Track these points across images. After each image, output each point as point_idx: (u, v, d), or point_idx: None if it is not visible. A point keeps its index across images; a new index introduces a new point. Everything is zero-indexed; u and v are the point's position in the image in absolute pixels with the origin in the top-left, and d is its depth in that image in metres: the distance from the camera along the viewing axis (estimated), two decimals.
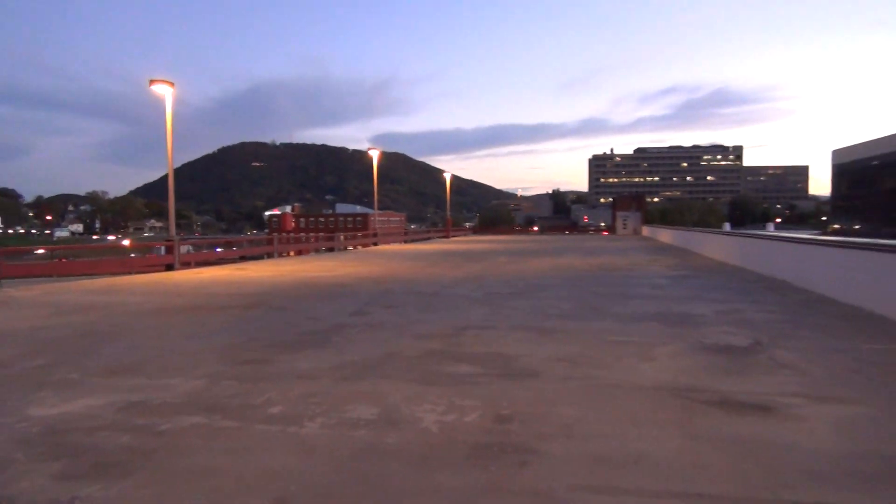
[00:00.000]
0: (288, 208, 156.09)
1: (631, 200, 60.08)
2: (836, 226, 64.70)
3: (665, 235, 35.42)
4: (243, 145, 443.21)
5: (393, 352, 6.00)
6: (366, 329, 7.32)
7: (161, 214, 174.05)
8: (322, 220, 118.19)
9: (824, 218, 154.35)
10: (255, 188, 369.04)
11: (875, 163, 56.47)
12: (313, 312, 8.75)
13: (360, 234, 37.22)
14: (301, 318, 8.29)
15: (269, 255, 22.43)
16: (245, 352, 6.10)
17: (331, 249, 27.81)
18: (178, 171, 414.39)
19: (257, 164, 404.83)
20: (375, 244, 33.54)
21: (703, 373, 5.08)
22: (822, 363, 5.35)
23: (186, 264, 18.34)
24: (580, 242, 36.61)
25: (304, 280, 13.67)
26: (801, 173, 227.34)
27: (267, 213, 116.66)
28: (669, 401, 4.31)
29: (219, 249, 26.68)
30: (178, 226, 19.97)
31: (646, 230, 51.89)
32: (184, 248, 19.55)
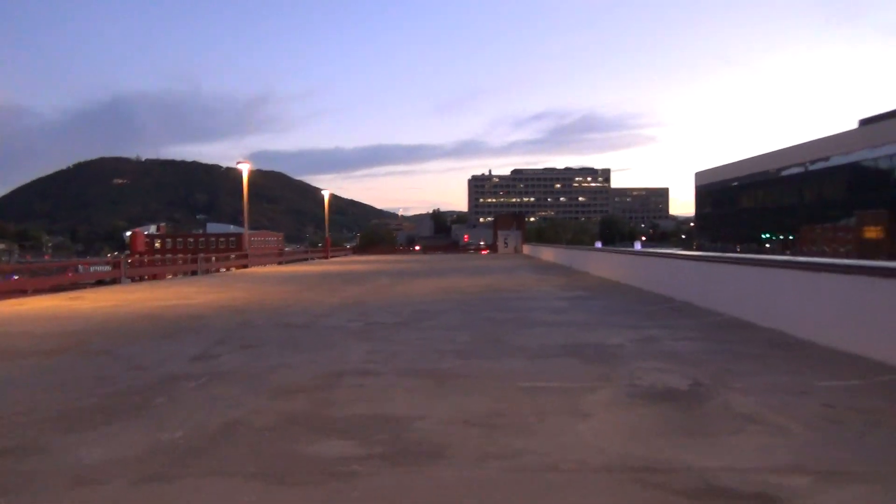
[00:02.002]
0: (152, 228, 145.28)
1: (511, 219, 60.69)
2: (697, 243, 69.08)
3: (547, 254, 35.43)
4: (103, 161, 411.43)
5: (236, 420, 4.29)
6: (207, 382, 5.50)
7: None
8: (191, 240, 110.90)
9: (683, 236, 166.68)
10: (117, 207, 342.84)
11: (735, 184, 60.97)
12: (142, 358, 6.76)
13: (231, 255, 34.24)
14: (123, 367, 6.30)
15: (117, 281, 19.47)
16: (8, 431, 4.13)
17: (194, 273, 24.97)
18: (27, 188, 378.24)
19: (119, 181, 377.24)
20: (246, 266, 30.83)
21: (657, 435, 3.82)
22: (791, 412, 4.27)
23: (7, 293, 15.23)
24: (463, 261, 35.81)
25: (148, 312, 11.39)
26: (662, 195, 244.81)
27: (127, 234, 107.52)
28: (635, 493, 2.97)
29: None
30: (23, 248, 16.70)
31: (527, 248, 52.34)
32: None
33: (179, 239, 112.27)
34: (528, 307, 11.02)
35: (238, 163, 31.50)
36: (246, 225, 32.85)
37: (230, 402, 4.79)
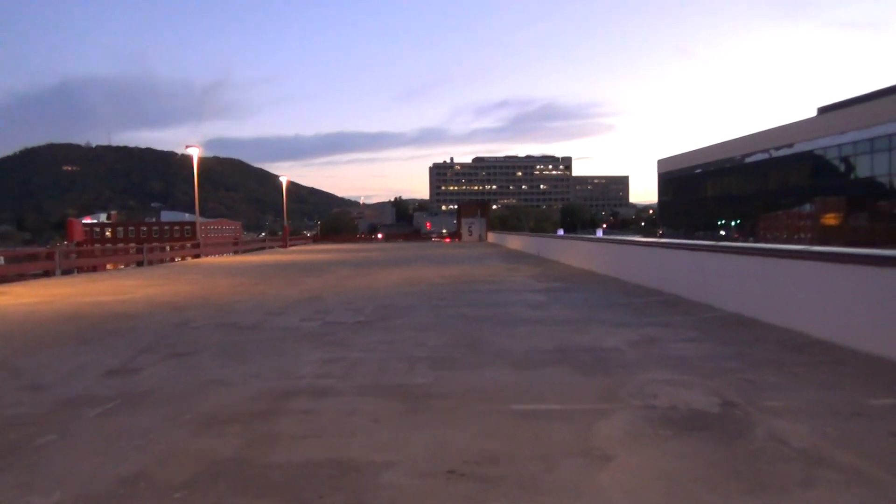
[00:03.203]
0: (103, 216, 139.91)
1: (476, 207, 59.72)
2: (661, 231, 69.36)
3: (514, 242, 34.59)
4: (52, 147, 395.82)
5: (139, 473, 3.17)
6: (116, 409, 4.35)
7: None
8: (144, 229, 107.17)
9: (643, 223, 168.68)
10: (67, 194, 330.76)
11: (698, 171, 61.18)
12: (45, 373, 5.53)
13: (186, 244, 32.44)
14: (15, 385, 5.08)
15: (49, 273, 17.81)
16: None
17: (140, 264, 23.31)
18: None
19: (69, 168, 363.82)
20: (198, 256, 29.16)
21: (707, 489, 2.86)
22: (861, 446, 3.36)
23: None
24: (427, 250, 34.71)
25: (73, 310, 10.04)
26: (622, 183, 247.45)
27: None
28: None
29: None
30: None
31: (491, 236, 51.52)
32: None
33: (132, 227, 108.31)
34: (504, 301, 10.03)
35: (187, 147, 29.64)
36: (197, 212, 31.01)
37: (139, 439, 3.66)
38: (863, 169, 42.36)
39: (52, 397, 4.68)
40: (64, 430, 3.90)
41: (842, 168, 44.34)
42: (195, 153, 29.57)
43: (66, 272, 19.66)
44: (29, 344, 6.98)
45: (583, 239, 18.65)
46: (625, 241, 13.82)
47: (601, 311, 8.76)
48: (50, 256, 18.21)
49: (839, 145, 42.94)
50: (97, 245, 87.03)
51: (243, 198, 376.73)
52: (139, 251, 23.74)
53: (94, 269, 20.26)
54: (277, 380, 5.06)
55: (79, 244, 21.04)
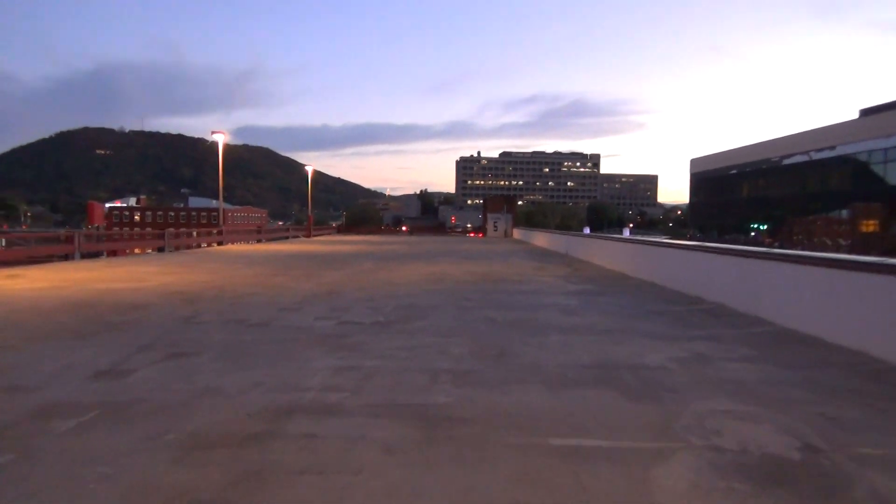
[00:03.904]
0: (132, 200, 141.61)
1: (502, 202, 58.83)
2: (690, 233, 67.82)
3: (541, 239, 33.78)
4: (86, 131, 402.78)
5: None
6: (92, 422, 3.81)
7: None
8: (172, 214, 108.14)
9: (671, 224, 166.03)
10: (100, 178, 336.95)
11: (733, 172, 59.56)
12: (29, 371, 5.02)
13: (204, 231, 32.23)
14: None
15: (69, 257, 17.55)
16: None
17: (161, 249, 23.06)
18: (7, 157, 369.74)
19: (102, 152, 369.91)
20: (220, 243, 28.89)
21: None
22: None
23: None
24: (452, 245, 34.09)
25: (82, 298, 9.61)
26: (650, 182, 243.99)
27: (107, 206, 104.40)
28: None
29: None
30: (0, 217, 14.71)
31: (517, 233, 50.71)
32: None
33: (160, 212, 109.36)
34: (533, 304, 9.37)
35: (213, 132, 29.43)
36: (220, 198, 30.74)
37: (107, 466, 3.10)
38: None
39: (28, 403, 4.15)
40: (26, 448, 3.35)
41: (884, 173, 42.61)
42: (220, 139, 29.29)
43: (88, 255, 19.44)
44: (24, 336, 6.50)
45: (615, 239, 17.85)
46: (663, 243, 13.03)
47: (640, 319, 8.05)
48: (69, 240, 17.96)
49: (885, 149, 41.21)
50: (125, 229, 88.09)
51: (270, 186, 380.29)
52: (160, 237, 23.49)
53: (115, 253, 20.02)
54: (280, 392, 4.48)
55: (98, 227, 20.80)
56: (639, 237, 17.32)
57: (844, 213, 49.25)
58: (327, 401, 4.27)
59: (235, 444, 3.43)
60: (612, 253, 16.68)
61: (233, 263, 17.52)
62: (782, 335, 6.91)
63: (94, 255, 20.05)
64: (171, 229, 25.07)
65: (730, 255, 9.17)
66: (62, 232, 21.71)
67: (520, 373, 5.13)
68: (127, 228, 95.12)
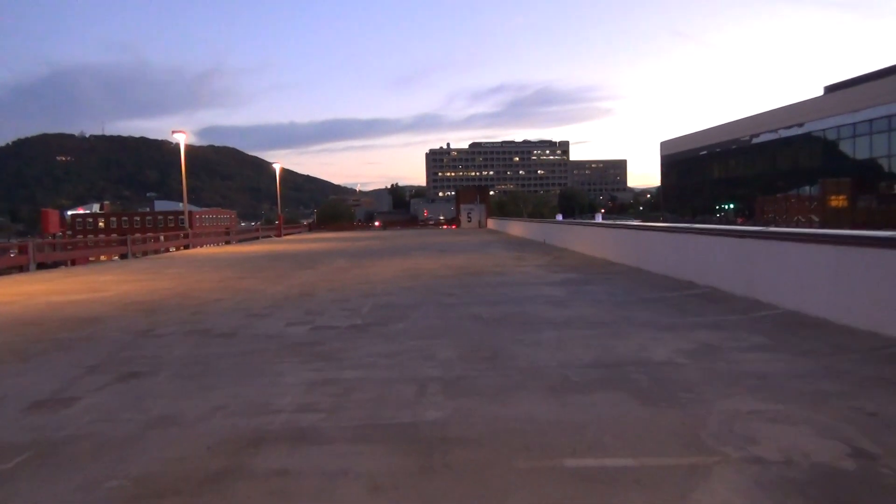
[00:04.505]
0: (95, 206, 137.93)
1: (475, 193, 58.30)
2: (662, 216, 68.13)
3: (516, 228, 33.35)
4: (45, 137, 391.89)
5: None
6: (19, 468, 3.18)
7: None
8: (137, 219, 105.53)
9: (641, 207, 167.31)
10: (61, 185, 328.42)
11: (703, 153, 59.85)
12: None
13: (174, 234, 31.12)
14: None
15: (23, 269, 16.56)
16: None
17: (124, 256, 22.07)
18: None
19: (62, 159, 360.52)
20: (187, 247, 27.87)
21: None
22: None
23: None
24: (427, 237, 33.50)
25: (32, 313, 8.85)
26: (620, 167, 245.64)
27: (70, 213, 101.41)
28: None
29: None
30: None
31: (491, 223, 50.27)
32: None
33: (125, 218, 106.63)
34: (519, 297, 8.86)
35: (173, 132, 28.31)
36: (185, 200, 29.61)
37: None
38: (877, 148, 41.04)
39: None
40: None
41: (852, 148, 43.04)
42: (182, 138, 28.18)
43: (46, 266, 18.46)
44: None
45: (595, 225, 17.47)
46: (648, 226, 12.62)
47: (634, 308, 7.59)
48: (23, 250, 16.97)
49: (853, 124, 41.59)
50: (89, 236, 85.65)
51: (239, 186, 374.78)
52: (122, 243, 22.48)
53: (74, 262, 19.03)
54: (246, 416, 3.88)
55: (55, 236, 19.78)
56: (621, 221, 16.93)
57: (809, 189, 49.75)
58: (301, 424, 3.69)
59: (190, 490, 2.84)
60: (593, 239, 16.27)
61: (199, 268, 16.73)
62: (788, 319, 6.50)
63: (53, 265, 19.06)
64: (137, 235, 24.03)
65: (722, 235, 8.76)
66: (14, 242, 20.61)
67: (517, 377, 4.60)
68: (91, 236, 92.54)
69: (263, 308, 8.64)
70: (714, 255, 8.93)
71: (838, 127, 43.43)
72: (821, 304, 6.38)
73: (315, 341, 6.16)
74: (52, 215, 19.70)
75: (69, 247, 20.96)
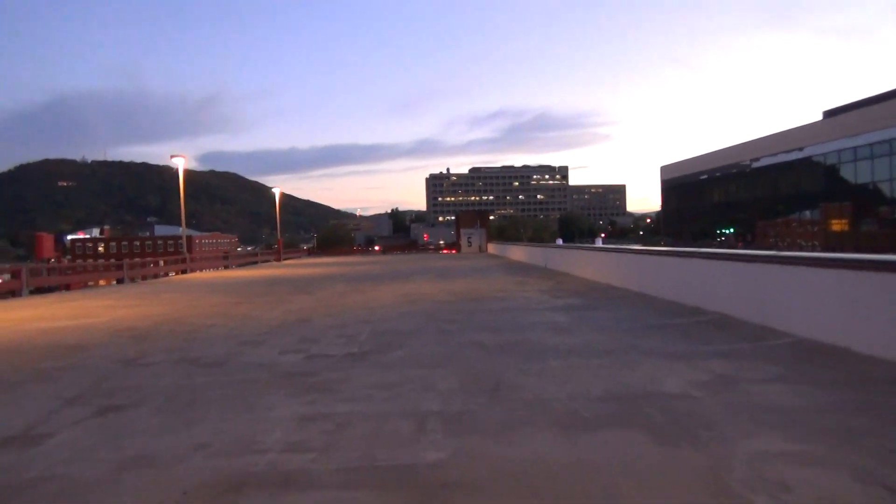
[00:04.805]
0: (95, 231, 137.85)
1: (475, 217, 58.24)
2: (664, 241, 67.98)
3: (517, 253, 33.12)
4: (46, 163, 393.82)
5: None
6: None
7: None
8: (137, 243, 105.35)
9: (641, 232, 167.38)
10: (62, 210, 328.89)
11: (703, 177, 59.87)
12: None
13: (172, 259, 30.86)
14: None
15: (16, 294, 16.27)
16: None
17: (120, 280, 21.80)
18: None
19: (64, 184, 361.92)
20: (185, 272, 27.59)
21: None
22: None
23: None
24: (427, 262, 33.25)
25: (16, 340, 8.56)
26: (619, 192, 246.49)
27: (69, 237, 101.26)
28: None
29: None
30: None
31: (492, 247, 50.07)
32: None
33: (124, 242, 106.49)
34: (522, 323, 8.57)
35: (172, 157, 28.11)
36: (183, 224, 29.45)
37: None
38: (878, 173, 40.96)
39: None
40: None
41: (853, 172, 42.97)
42: (181, 163, 28.07)
43: (41, 290, 18.19)
44: None
45: (597, 249, 17.21)
46: (652, 251, 12.35)
47: (641, 335, 7.29)
48: (16, 275, 16.69)
49: (854, 148, 41.60)
50: (89, 261, 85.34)
51: (239, 211, 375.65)
52: (119, 267, 22.22)
53: (69, 287, 18.74)
54: (230, 455, 3.58)
55: (49, 260, 19.50)
56: (622, 246, 16.65)
57: (809, 213, 49.61)
58: (288, 466, 3.38)
59: None
60: (595, 264, 16.01)
61: (195, 293, 16.44)
62: (803, 347, 6.20)
63: (48, 290, 18.79)
64: (129, 259, 23.77)
65: (730, 260, 8.49)
66: (6, 266, 20.34)
67: (523, 411, 4.30)
68: (91, 260, 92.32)
69: (257, 335, 8.34)
70: (722, 280, 8.65)
71: (839, 151, 43.42)
72: (837, 331, 6.09)
73: (309, 371, 5.86)
74: (47, 240, 19.52)
75: (67, 271, 20.67)
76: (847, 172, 43.88)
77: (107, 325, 9.86)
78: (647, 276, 11.73)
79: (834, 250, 39.30)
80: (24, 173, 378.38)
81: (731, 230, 58.63)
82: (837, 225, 48.26)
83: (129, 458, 3.59)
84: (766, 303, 7.44)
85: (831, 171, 45.68)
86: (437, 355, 6.46)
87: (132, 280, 23.05)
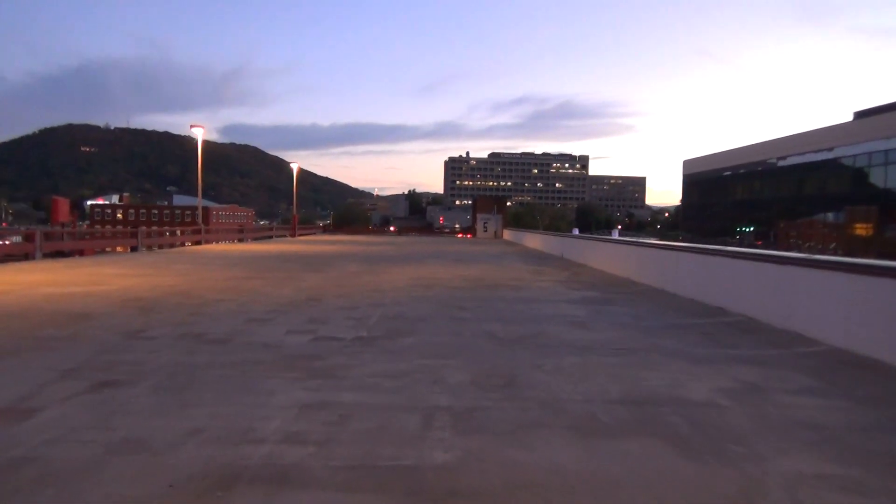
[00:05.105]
0: (115, 198, 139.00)
1: (492, 202, 57.79)
2: (682, 236, 67.11)
3: (533, 241, 32.74)
4: (71, 127, 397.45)
5: None
6: None
7: None
8: (156, 212, 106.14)
9: (659, 226, 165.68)
10: (84, 175, 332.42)
11: (727, 173, 58.90)
12: None
13: (187, 230, 30.89)
14: None
15: (29, 257, 16.26)
16: None
17: (134, 248, 21.77)
18: None
19: (87, 149, 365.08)
20: (199, 243, 27.57)
21: None
22: None
23: None
24: (442, 245, 33.00)
25: (24, 305, 8.43)
26: (638, 184, 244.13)
27: (89, 203, 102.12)
28: None
29: None
30: None
31: (508, 234, 49.69)
32: None
33: (143, 210, 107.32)
34: (537, 315, 8.29)
35: (191, 126, 28.10)
36: (199, 195, 29.36)
37: None
38: None
39: None
40: None
41: (884, 175, 41.89)
42: (200, 133, 27.93)
43: (54, 255, 18.17)
44: None
45: (617, 241, 16.84)
46: (675, 246, 11.97)
47: (662, 335, 6.99)
48: (29, 238, 16.66)
49: (885, 151, 40.52)
50: (107, 227, 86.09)
51: (258, 185, 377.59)
52: (133, 235, 22.19)
53: (82, 253, 18.73)
54: (224, 444, 3.36)
55: (62, 225, 19.50)
56: (641, 239, 16.21)
57: (829, 216, 48.60)
58: (285, 460, 3.15)
59: None
60: (614, 256, 15.65)
61: (207, 265, 16.33)
62: (836, 357, 5.87)
63: (61, 254, 18.78)
64: (145, 227, 23.74)
65: (759, 261, 8.13)
66: (21, 229, 20.34)
67: (538, 411, 4.04)
68: (109, 226, 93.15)
69: (265, 312, 8.14)
70: (748, 281, 8.30)
71: (869, 154, 42.34)
72: (874, 342, 5.75)
73: (315, 354, 5.64)
74: (62, 204, 19.42)
75: (86, 235, 20.67)
76: (876, 175, 42.80)
77: (115, 294, 9.72)
78: (669, 273, 11.38)
79: (856, 255, 38.44)
80: (49, 137, 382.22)
81: (751, 229, 57.69)
82: (862, 229, 47.24)
83: (118, 441, 3.38)
84: (796, 308, 7.10)
85: (859, 174, 44.62)
86: (448, 345, 6.21)
87: (149, 248, 23.03)
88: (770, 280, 7.74)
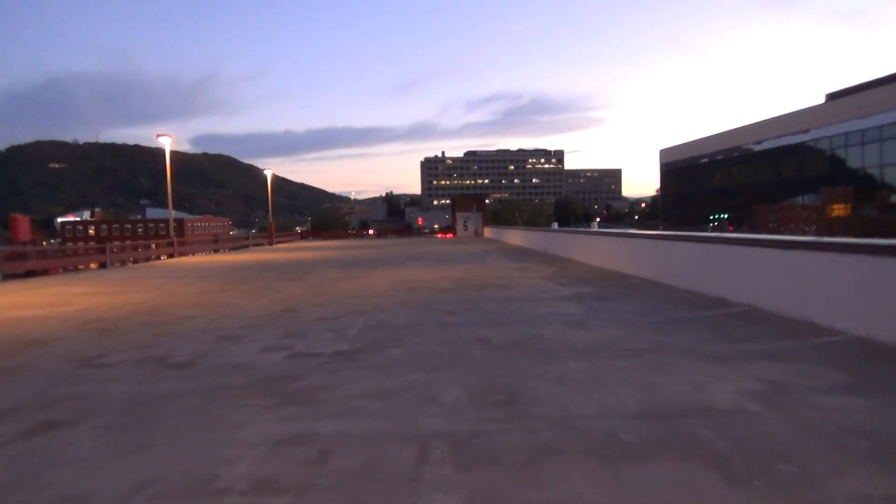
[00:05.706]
0: (86, 214, 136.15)
1: (471, 201, 57.27)
2: (662, 225, 67.19)
3: (515, 237, 32.27)
4: (39, 144, 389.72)
5: None
6: None
7: None
8: (129, 226, 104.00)
9: (636, 217, 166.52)
10: (55, 193, 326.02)
11: (704, 160, 58.99)
12: None
13: (159, 243, 29.91)
14: None
15: None
16: None
17: (104, 265, 20.89)
18: None
19: (56, 166, 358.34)
20: (173, 255, 26.68)
21: None
22: None
23: None
24: (423, 246, 32.40)
25: None
26: (614, 176, 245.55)
27: (59, 220, 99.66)
28: None
29: None
30: None
31: (488, 231, 49.22)
32: None
33: (115, 225, 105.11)
34: (529, 315, 7.76)
35: (158, 136, 27.15)
36: (170, 207, 28.39)
37: None
38: (887, 156, 40.01)
39: None
40: None
41: (861, 155, 42.05)
42: (167, 142, 26.99)
43: (17, 276, 17.29)
44: None
45: (603, 233, 16.39)
46: (668, 235, 11.51)
47: (667, 331, 6.50)
48: None
49: (861, 131, 40.68)
50: (80, 244, 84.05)
51: (233, 194, 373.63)
52: (101, 251, 21.29)
53: (46, 272, 17.85)
54: (181, 499, 2.77)
55: (23, 244, 18.60)
56: (630, 231, 15.78)
57: (807, 198, 48.77)
58: None
59: None
60: (601, 248, 15.20)
61: (179, 278, 15.59)
62: (860, 348, 5.41)
63: (30, 274, 17.88)
64: (115, 242, 22.83)
65: (763, 246, 7.67)
66: None
67: (548, 433, 3.50)
68: (82, 243, 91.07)
69: (238, 328, 7.52)
70: (750, 268, 7.85)
71: (845, 134, 42.49)
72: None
73: (291, 375, 5.05)
74: (23, 222, 18.52)
75: (58, 253, 19.77)
76: (851, 156, 42.96)
77: (76, 315, 9.02)
78: (662, 263, 10.92)
79: (835, 236, 38.52)
80: (17, 155, 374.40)
81: (726, 216, 57.79)
82: (839, 210, 47.47)
83: (48, 502, 2.78)
84: (806, 294, 6.65)
85: (835, 155, 44.80)
86: (438, 355, 5.65)
87: (122, 263, 22.15)
88: (776, 266, 7.29)
